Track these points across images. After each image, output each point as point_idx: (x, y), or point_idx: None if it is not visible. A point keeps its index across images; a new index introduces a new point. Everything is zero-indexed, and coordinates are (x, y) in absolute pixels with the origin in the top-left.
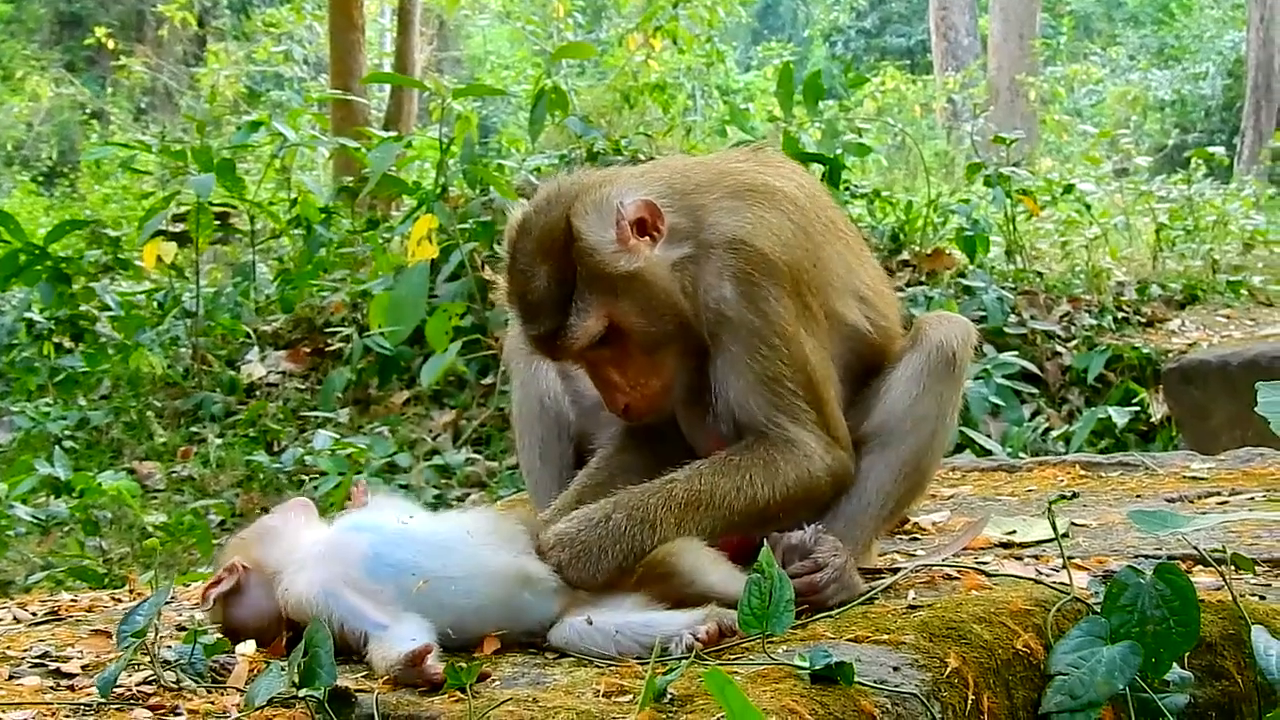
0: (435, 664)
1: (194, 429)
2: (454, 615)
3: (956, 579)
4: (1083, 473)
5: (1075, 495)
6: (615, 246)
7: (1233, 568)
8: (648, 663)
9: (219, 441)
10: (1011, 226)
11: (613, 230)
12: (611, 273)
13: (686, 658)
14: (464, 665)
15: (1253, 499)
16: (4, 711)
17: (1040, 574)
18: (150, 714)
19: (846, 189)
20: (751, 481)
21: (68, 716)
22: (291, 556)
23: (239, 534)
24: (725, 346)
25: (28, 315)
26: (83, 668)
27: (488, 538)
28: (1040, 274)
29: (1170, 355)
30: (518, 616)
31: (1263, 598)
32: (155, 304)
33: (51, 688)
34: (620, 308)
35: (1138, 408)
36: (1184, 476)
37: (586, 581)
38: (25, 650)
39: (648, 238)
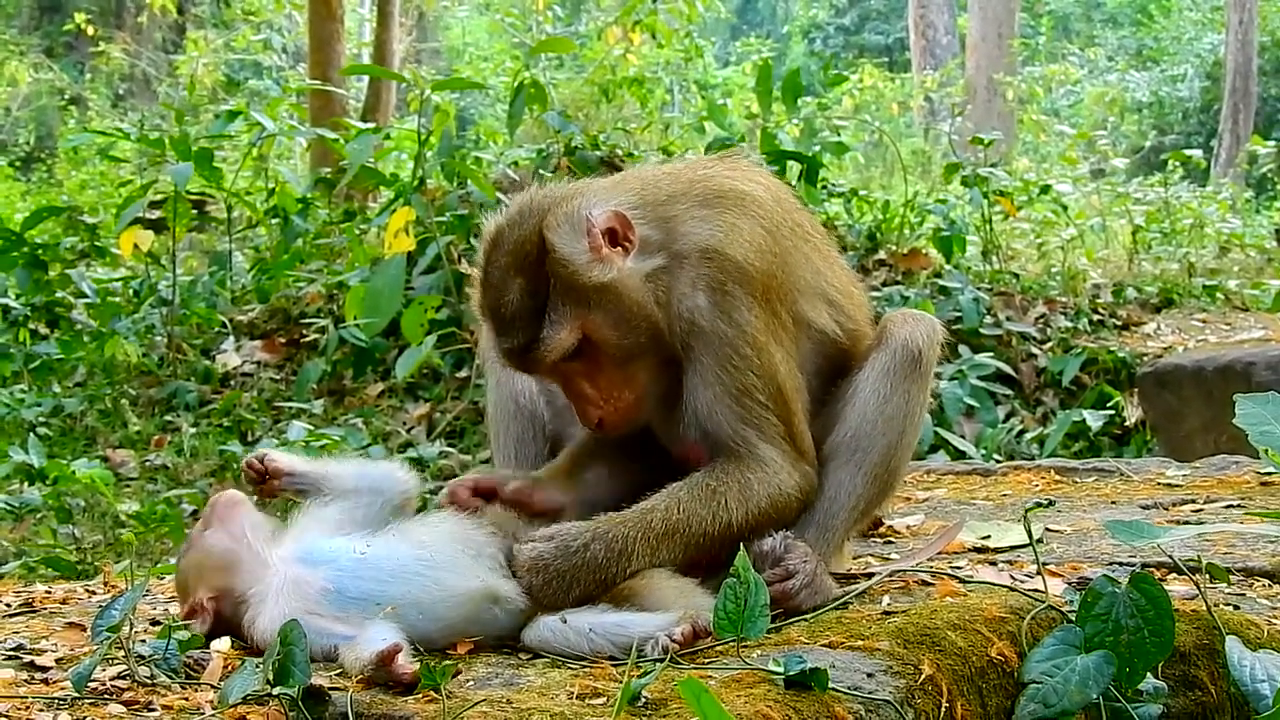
0: (406, 662)
1: (168, 418)
2: (422, 635)
3: (931, 585)
4: (1058, 478)
5: (1051, 503)
6: (588, 258)
7: (1207, 577)
8: (621, 663)
9: (193, 431)
10: (988, 227)
11: (585, 241)
12: (585, 284)
13: (662, 660)
14: (437, 665)
15: (1228, 507)
16: None
17: (1015, 580)
18: (124, 709)
19: (824, 187)
20: (726, 507)
21: (42, 710)
22: (256, 584)
23: (193, 560)
24: (697, 357)
25: (3, 301)
26: (57, 661)
27: (455, 555)
28: (1016, 275)
29: (1145, 359)
30: (487, 629)
31: (1237, 607)
32: (131, 292)
33: (26, 680)
34: (593, 320)
35: (1112, 411)
36: (1159, 483)
37: (554, 606)
38: None
39: (620, 249)
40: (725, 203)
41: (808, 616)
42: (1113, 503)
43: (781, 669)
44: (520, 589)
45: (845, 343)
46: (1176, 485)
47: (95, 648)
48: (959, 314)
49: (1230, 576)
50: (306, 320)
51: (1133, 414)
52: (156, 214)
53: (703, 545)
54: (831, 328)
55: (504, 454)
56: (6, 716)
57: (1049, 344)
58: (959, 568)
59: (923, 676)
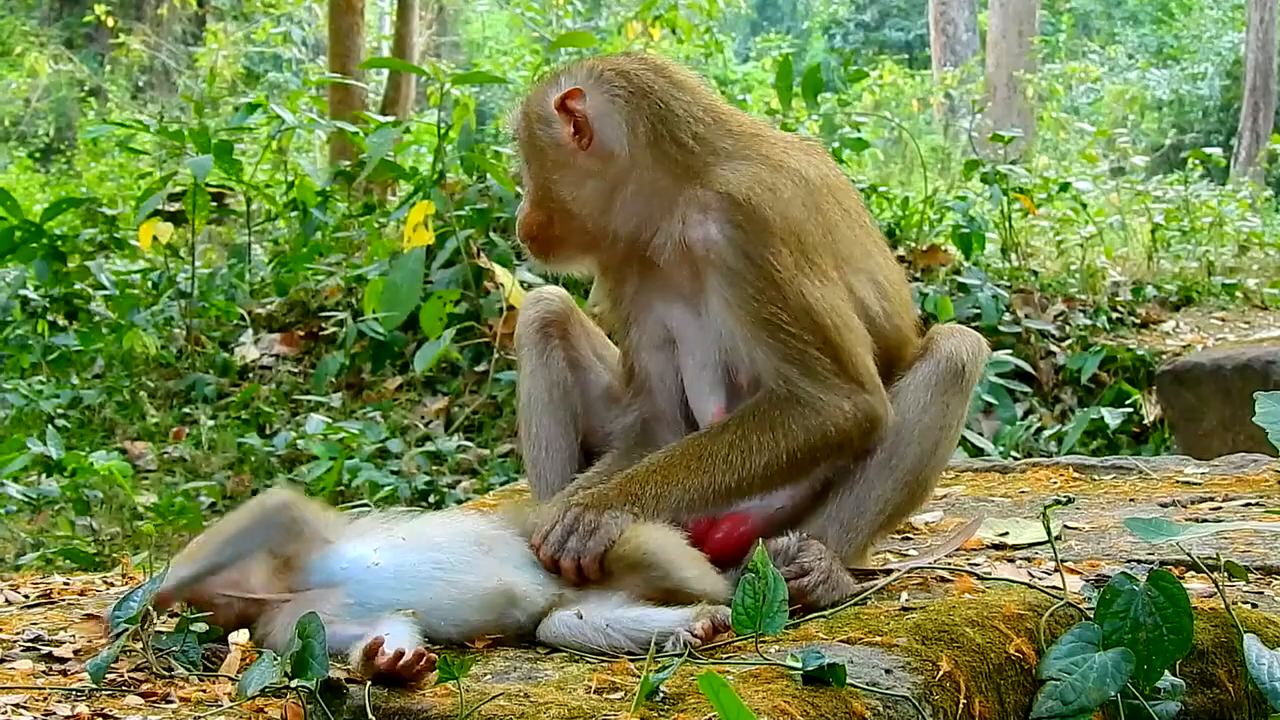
0: (386, 653)
1: (186, 410)
2: (444, 638)
3: (950, 581)
4: (1076, 475)
5: (1071, 500)
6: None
7: (1226, 575)
8: (639, 658)
9: (211, 423)
10: (1007, 224)
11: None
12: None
13: (680, 655)
14: (455, 659)
15: (1246, 505)
16: None
17: (1033, 577)
18: (142, 701)
19: None
20: (759, 443)
21: (60, 701)
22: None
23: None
24: (718, 293)
25: (22, 292)
26: (75, 652)
27: (471, 555)
28: (1035, 272)
29: (1164, 357)
30: (507, 629)
31: (1255, 605)
32: (150, 284)
33: (44, 672)
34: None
35: (1130, 409)
36: (1178, 481)
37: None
38: (17, 633)
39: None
40: (769, 165)
41: (826, 613)
42: (1131, 500)
43: (800, 664)
44: (539, 581)
45: (889, 333)
46: (1195, 483)
47: (113, 639)
48: (978, 311)
49: (1249, 574)
50: (325, 313)
51: (1151, 412)
52: (176, 206)
53: (740, 487)
54: (878, 311)
55: (534, 446)
56: (25, 708)
57: (1068, 341)
58: (977, 564)
59: (941, 673)
